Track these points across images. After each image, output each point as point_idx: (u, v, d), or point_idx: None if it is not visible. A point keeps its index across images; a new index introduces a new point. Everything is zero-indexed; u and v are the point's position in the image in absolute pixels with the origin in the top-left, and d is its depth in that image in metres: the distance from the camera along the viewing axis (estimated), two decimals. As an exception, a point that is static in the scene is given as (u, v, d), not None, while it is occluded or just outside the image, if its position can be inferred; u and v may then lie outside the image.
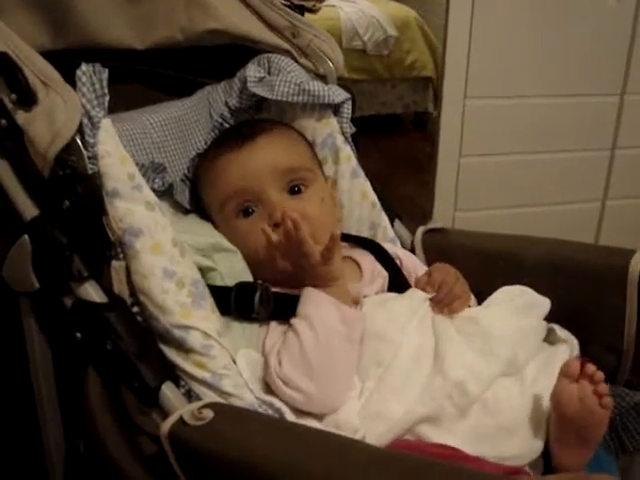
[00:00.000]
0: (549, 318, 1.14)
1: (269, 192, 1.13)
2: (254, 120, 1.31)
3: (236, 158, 1.15)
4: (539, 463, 1.01)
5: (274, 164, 1.14)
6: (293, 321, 1.03)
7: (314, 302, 1.04)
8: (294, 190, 1.16)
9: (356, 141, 1.36)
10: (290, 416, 0.98)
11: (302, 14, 1.41)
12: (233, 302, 1.07)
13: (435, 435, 0.96)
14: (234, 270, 1.11)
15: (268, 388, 1.02)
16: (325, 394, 1.00)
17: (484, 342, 1.04)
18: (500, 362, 1.03)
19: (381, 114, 4.59)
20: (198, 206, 1.22)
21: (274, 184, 1.13)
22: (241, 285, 1.09)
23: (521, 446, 0.99)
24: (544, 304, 1.13)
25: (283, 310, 1.07)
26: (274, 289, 1.09)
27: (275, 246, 1.09)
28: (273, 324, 1.08)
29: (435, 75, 4.46)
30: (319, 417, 1.00)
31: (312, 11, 4.38)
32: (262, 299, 1.07)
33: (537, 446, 1.00)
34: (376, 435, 0.95)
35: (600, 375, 0.96)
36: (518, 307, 1.11)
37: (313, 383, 0.99)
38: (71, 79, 0.98)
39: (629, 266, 1.16)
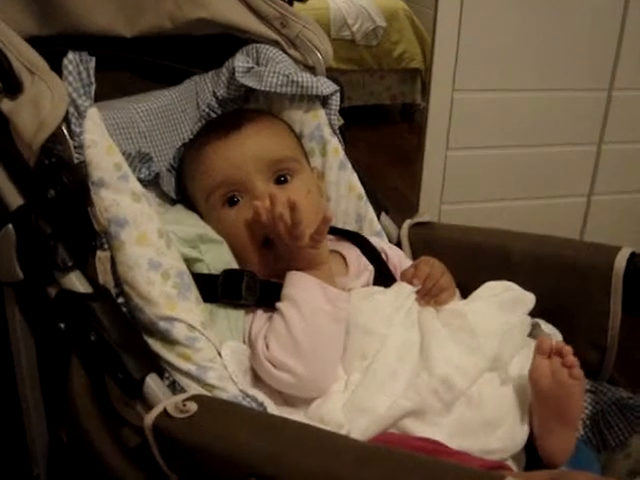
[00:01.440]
0: (533, 313, 1.14)
1: (255, 182, 1.12)
2: (240, 110, 1.30)
3: (222, 148, 1.15)
4: (522, 457, 1.02)
5: (260, 154, 1.14)
6: (278, 304, 1.04)
7: (298, 283, 1.04)
8: (280, 180, 1.16)
9: (343, 132, 1.35)
10: (273, 409, 0.98)
11: (291, 3, 1.40)
12: (220, 289, 1.07)
13: (419, 429, 0.96)
14: (221, 261, 1.11)
15: (252, 381, 1.03)
16: (314, 373, 1.01)
17: (471, 337, 1.04)
18: (486, 357, 1.03)
19: (369, 104, 4.60)
20: (184, 196, 1.21)
21: (260, 174, 1.13)
22: (228, 272, 1.09)
23: (505, 439, 0.99)
24: (529, 300, 1.13)
25: (270, 296, 1.07)
26: (260, 277, 1.10)
27: (262, 229, 1.09)
28: (259, 311, 1.08)
29: (423, 67, 4.47)
30: (303, 410, 1.00)
31: (301, 0, 4.36)
32: (249, 285, 1.07)
33: (520, 439, 1.00)
34: (361, 429, 0.95)
35: (568, 349, 0.98)
36: (503, 302, 1.12)
37: (301, 363, 0.99)
38: (58, 67, 0.97)
39: (614, 262, 1.16)
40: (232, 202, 1.14)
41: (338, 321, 1.04)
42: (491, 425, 0.99)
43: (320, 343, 1.02)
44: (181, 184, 1.22)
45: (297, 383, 1.00)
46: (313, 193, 1.19)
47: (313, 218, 1.05)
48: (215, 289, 1.06)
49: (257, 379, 1.03)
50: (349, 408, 0.98)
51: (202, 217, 1.16)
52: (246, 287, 1.07)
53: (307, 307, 1.02)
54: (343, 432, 0.94)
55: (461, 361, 1.01)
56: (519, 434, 1.00)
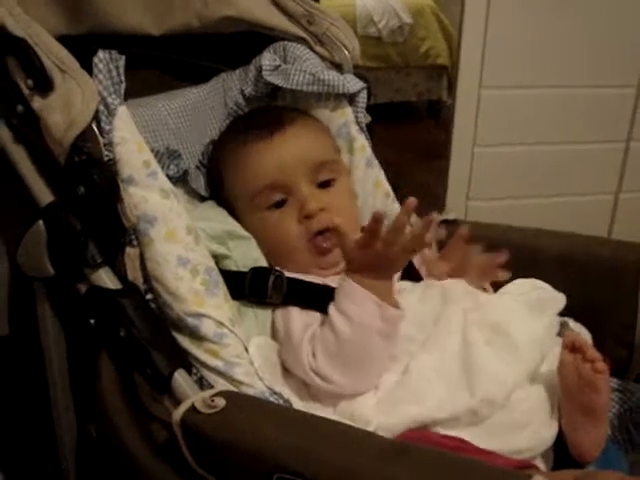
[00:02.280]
0: (561, 311, 1.13)
1: (301, 185, 1.13)
2: (269, 107, 1.30)
3: (267, 150, 1.15)
4: (550, 455, 1.02)
5: (305, 157, 1.14)
6: (332, 315, 1.01)
7: (355, 298, 1.01)
8: (323, 183, 1.16)
9: (370, 129, 1.35)
10: (299, 406, 0.99)
11: (317, 0, 1.40)
12: (247, 286, 1.08)
13: (447, 431, 0.96)
14: (248, 257, 1.12)
15: (280, 376, 1.03)
16: (357, 386, 1.01)
17: (513, 352, 1.02)
18: (526, 370, 1.02)
19: (395, 102, 4.59)
20: (215, 193, 1.22)
21: (305, 177, 1.14)
22: (256, 270, 1.10)
23: (531, 439, 0.98)
24: (560, 300, 1.12)
25: (296, 295, 1.08)
26: (289, 274, 1.10)
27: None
28: (295, 311, 1.07)
29: (450, 63, 4.45)
30: (332, 407, 1.01)
31: (327, -4, 4.36)
32: (276, 284, 1.08)
33: (548, 437, 1.00)
34: (388, 427, 0.95)
35: (587, 343, 0.99)
36: (531, 301, 1.10)
37: (346, 378, 0.99)
38: (88, 65, 0.98)
39: (643, 261, 1.16)
40: (278, 205, 1.14)
41: (389, 339, 1.02)
42: (519, 426, 0.98)
43: (368, 362, 1.01)
44: (214, 182, 1.22)
45: (339, 393, 1.01)
46: (352, 193, 1.19)
47: (356, 218, 1.08)
48: (243, 287, 1.07)
49: (285, 374, 1.04)
50: (381, 410, 0.98)
51: (237, 214, 1.16)
52: (272, 286, 1.07)
53: (361, 327, 0.99)
54: (370, 429, 0.94)
55: (504, 377, 0.99)
56: (547, 433, 1.00)
